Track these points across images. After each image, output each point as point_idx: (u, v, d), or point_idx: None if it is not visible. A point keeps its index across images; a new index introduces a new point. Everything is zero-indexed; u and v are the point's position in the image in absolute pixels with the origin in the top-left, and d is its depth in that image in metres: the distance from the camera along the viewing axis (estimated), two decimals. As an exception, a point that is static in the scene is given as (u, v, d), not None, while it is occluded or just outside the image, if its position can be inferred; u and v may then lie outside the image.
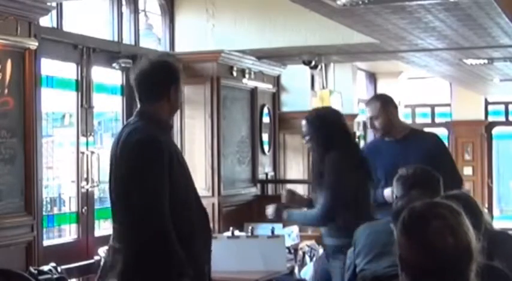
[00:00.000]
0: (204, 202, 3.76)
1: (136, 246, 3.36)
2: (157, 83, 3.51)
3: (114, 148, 3.50)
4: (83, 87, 6.29)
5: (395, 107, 5.07)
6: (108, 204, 3.89)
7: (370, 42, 7.18)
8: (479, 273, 2.04)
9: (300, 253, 5.90)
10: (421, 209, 2.08)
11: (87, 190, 6.21)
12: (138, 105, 3.56)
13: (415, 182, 3.64)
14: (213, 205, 7.33)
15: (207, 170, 7.43)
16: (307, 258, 5.86)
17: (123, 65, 6.64)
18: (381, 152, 4.97)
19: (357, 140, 11.96)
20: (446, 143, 5.32)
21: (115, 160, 3.47)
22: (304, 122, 4.64)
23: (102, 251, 5.62)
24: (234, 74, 7.82)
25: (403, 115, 13.91)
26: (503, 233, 3.80)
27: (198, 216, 3.56)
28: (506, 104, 14.52)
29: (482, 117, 14.26)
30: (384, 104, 4.95)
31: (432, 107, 14.67)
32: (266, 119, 8.71)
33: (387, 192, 4.69)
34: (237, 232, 6.86)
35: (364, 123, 13.10)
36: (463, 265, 2.00)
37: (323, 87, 10.44)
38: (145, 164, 3.34)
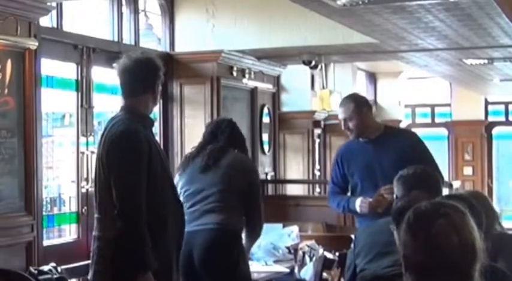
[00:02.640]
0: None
1: (111, 233, 3.56)
2: (143, 79, 3.74)
3: (100, 142, 3.72)
4: (83, 87, 6.29)
5: (370, 107, 5.00)
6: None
7: (370, 42, 7.18)
8: (483, 273, 2.05)
9: (300, 253, 5.88)
10: (425, 208, 2.09)
11: (87, 190, 6.20)
12: (123, 101, 3.77)
13: (416, 183, 3.64)
14: (213, 205, 7.31)
15: (207, 170, 7.42)
16: (307, 258, 5.85)
17: (123, 65, 6.64)
18: (355, 154, 4.90)
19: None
20: (423, 141, 5.06)
21: (100, 152, 3.67)
22: None
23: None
24: (234, 74, 7.82)
25: (404, 115, 13.93)
26: (508, 235, 3.79)
27: (172, 207, 3.73)
28: (506, 104, 14.52)
29: (482, 117, 14.26)
30: (357, 105, 4.87)
31: (432, 107, 14.67)
32: (266, 119, 8.71)
33: (359, 202, 4.67)
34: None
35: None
36: (467, 264, 2.01)
37: (323, 87, 10.45)
38: (125, 154, 3.56)
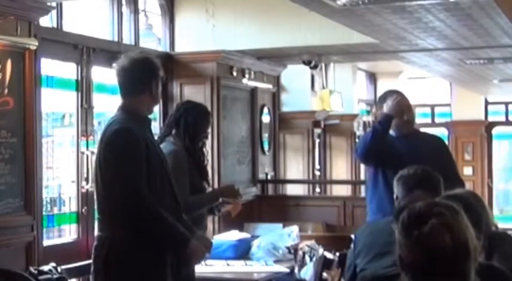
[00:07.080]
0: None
1: (108, 232, 3.59)
2: (139, 78, 3.74)
3: (98, 143, 3.74)
4: (83, 87, 6.28)
5: None
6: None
7: (370, 42, 7.18)
8: (479, 272, 2.05)
9: (300, 253, 5.88)
10: (419, 208, 2.09)
11: (87, 190, 6.20)
12: (121, 100, 3.80)
13: (417, 183, 3.64)
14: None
15: (207, 170, 7.42)
16: (307, 258, 5.85)
17: (123, 65, 6.64)
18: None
19: (357, 140, 11.99)
20: (448, 147, 5.49)
21: (98, 153, 3.69)
22: None
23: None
24: (234, 74, 7.82)
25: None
26: (504, 233, 3.80)
27: (170, 206, 3.71)
28: (506, 104, 14.52)
29: (482, 117, 14.26)
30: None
31: (432, 107, 14.67)
32: (266, 119, 8.71)
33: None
34: (237, 232, 6.88)
35: (364, 123, 13.10)
36: (461, 264, 2.01)
37: (323, 87, 10.45)
38: (121, 152, 3.55)
